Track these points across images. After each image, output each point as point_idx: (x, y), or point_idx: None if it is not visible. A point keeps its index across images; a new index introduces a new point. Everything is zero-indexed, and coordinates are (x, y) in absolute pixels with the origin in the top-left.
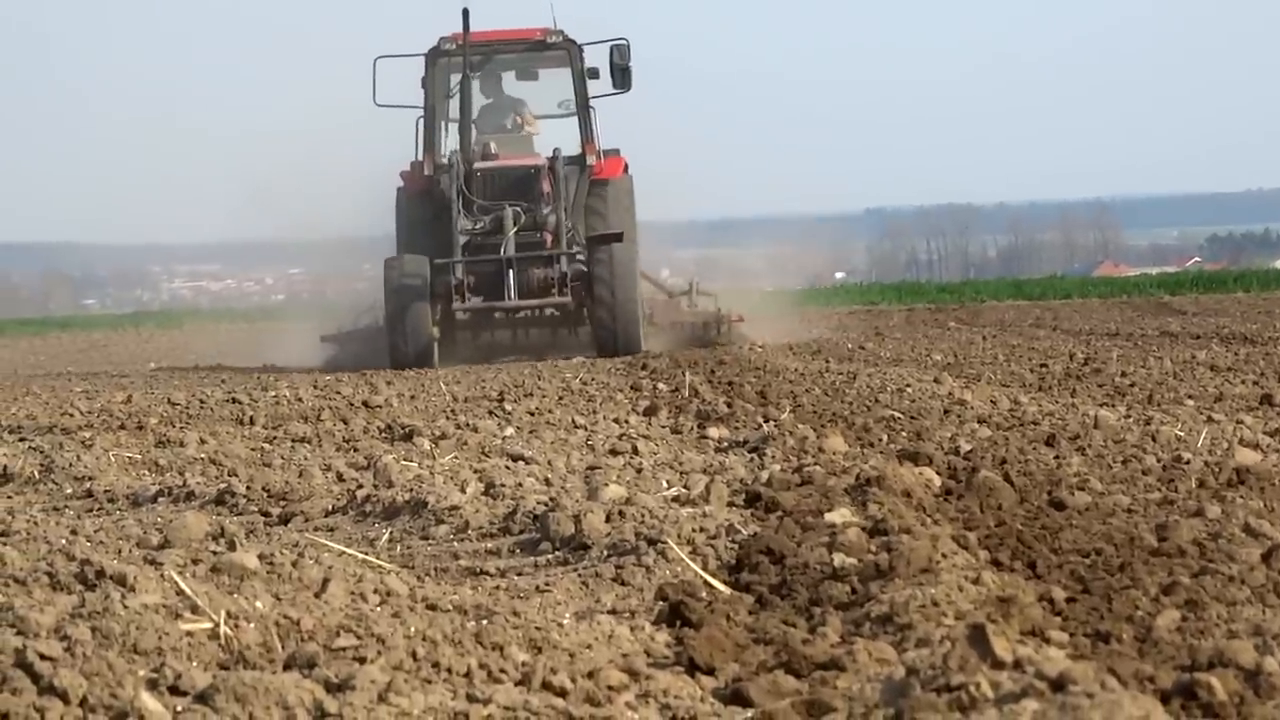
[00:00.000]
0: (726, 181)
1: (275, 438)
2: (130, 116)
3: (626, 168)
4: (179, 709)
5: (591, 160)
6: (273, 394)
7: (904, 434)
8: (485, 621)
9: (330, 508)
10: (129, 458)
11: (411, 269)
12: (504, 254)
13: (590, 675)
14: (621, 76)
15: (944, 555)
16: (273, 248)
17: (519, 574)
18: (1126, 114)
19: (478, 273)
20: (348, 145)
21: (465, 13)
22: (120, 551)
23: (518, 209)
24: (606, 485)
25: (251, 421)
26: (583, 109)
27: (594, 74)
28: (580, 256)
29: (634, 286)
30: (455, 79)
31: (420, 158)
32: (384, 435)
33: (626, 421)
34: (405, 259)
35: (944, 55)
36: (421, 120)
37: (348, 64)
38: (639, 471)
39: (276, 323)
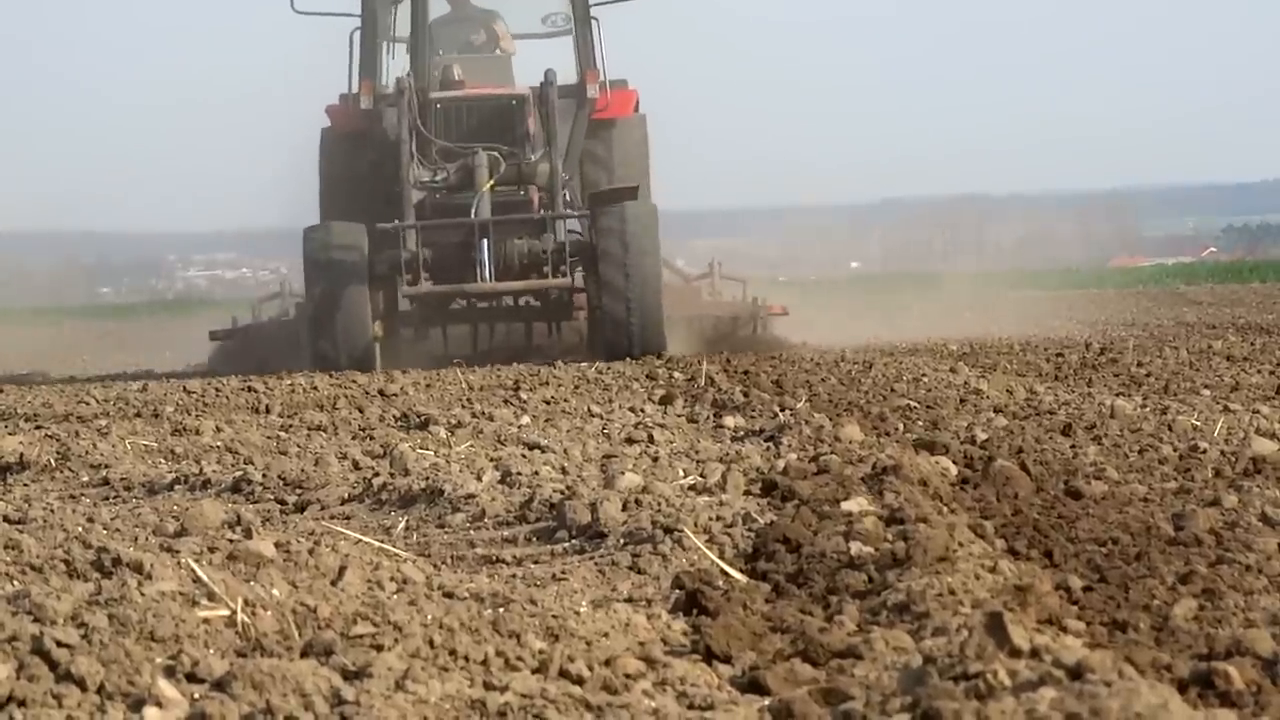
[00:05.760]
0: (738, 170)
1: (291, 426)
2: (145, 101)
3: (638, 105)
4: (196, 696)
5: (593, 92)
6: (288, 382)
7: (920, 423)
8: (502, 609)
9: (346, 496)
10: (145, 446)
11: (343, 239)
12: (475, 216)
13: (607, 663)
14: None
15: (961, 544)
16: (286, 236)
17: (535, 562)
18: (1142, 103)
19: (437, 243)
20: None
21: None
22: (137, 539)
23: (494, 153)
24: (623, 474)
25: (267, 410)
26: (581, 21)
27: None
28: (575, 226)
29: (656, 264)
30: None
31: (355, 88)
32: (400, 423)
33: (643, 410)
34: (334, 226)
35: (960, 43)
36: (357, 34)
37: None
38: (655, 460)
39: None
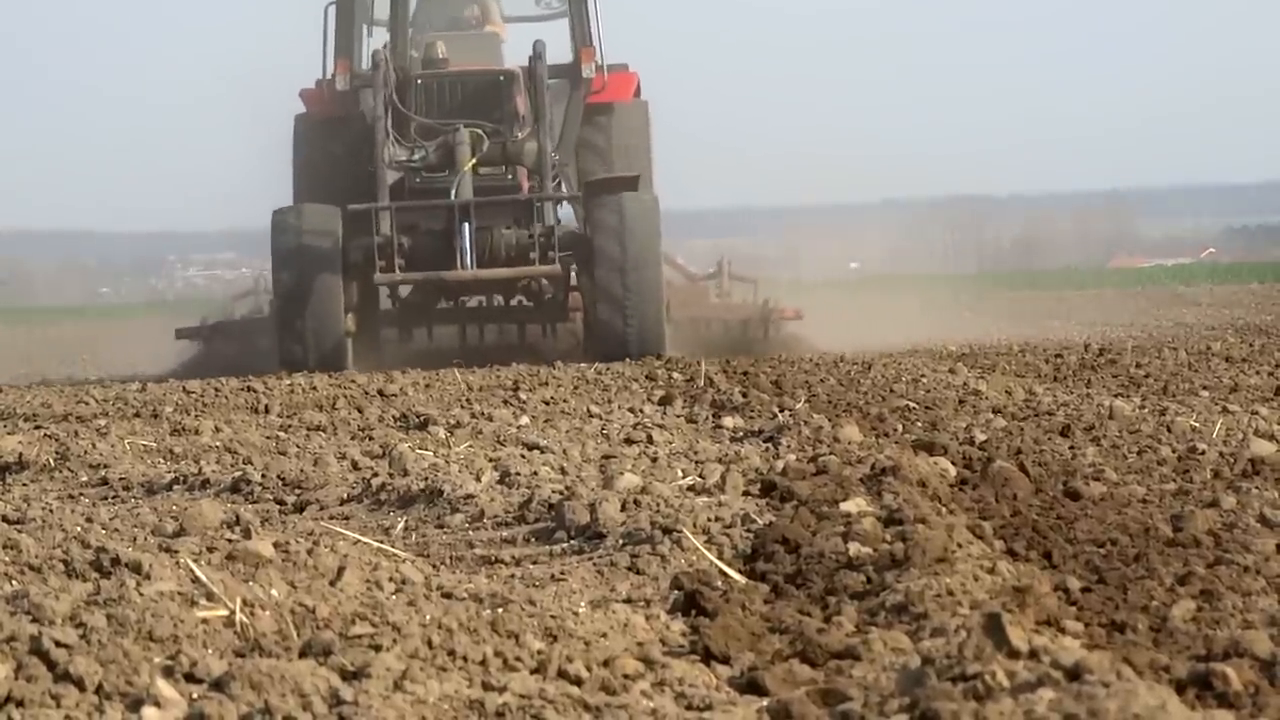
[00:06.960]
0: (738, 169)
1: (290, 426)
2: (145, 101)
3: (639, 90)
4: (194, 696)
5: (588, 71)
6: (288, 382)
7: (919, 424)
8: (501, 610)
9: (345, 496)
10: (144, 446)
11: (315, 223)
12: (456, 197)
13: (606, 663)
14: None
15: (959, 545)
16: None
17: (534, 562)
18: (1141, 103)
19: (416, 228)
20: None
21: None
22: (135, 539)
23: (477, 130)
24: (622, 474)
25: (266, 410)
26: None
27: None
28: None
29: (657, 265)
30: None
31: (331, 71)
32: (399, 424)
33: (641, 411)
34: (305, 209)
35: (960, 43)
36: (333, 9)
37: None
38: (654, 461)
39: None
